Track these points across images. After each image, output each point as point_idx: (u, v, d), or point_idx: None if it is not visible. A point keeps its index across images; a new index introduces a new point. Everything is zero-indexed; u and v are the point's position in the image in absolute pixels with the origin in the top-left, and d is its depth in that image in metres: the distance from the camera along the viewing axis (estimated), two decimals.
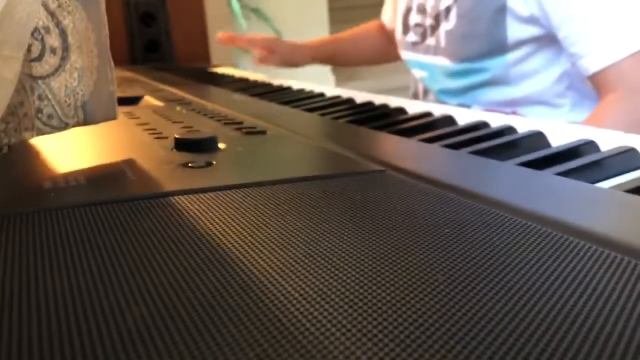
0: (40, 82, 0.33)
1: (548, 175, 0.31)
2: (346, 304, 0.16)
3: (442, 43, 0.89)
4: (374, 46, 1.18)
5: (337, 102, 0.69)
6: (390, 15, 1.10)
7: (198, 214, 0.24)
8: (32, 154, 0.37)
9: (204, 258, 0.20)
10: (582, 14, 0.74)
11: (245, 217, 0.24)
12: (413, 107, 0.60)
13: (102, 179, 0.31)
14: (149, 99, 0.69)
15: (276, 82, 0.94)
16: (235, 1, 2.14)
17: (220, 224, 0.23)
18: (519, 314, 0.15)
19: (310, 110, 0.62)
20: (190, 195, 0.27)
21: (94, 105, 0.36)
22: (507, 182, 0.31)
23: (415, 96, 1.05)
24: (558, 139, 0.43)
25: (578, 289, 0.17)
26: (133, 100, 0.68)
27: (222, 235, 0.22)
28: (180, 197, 0.27)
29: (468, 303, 0.16)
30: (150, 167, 0.33)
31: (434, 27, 0.90)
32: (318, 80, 1.15)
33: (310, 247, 0.21)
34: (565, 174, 0.34)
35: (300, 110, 0.60)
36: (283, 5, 2.36)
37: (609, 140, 0.40)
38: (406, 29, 0.98)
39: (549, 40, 0.80)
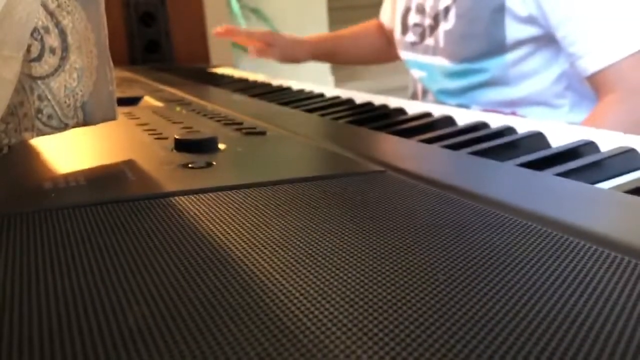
0: (39, 82, 0.33)
1: (548, 175, 0.31)
2: (347, 303, 0.16)
3: (441, 43, 0.89)
4: (373, 45, 1.18)
5: (336, 102, 0.69)
6: (389, 15, 1.10)
7: (198, 214, 0.24)
8: (32, 155, 0.37)
9: (204, 258, 0.20)
10: (580, 14, 0.74)
11: (246, 218, 0.24)
12: (413, 107, 0.60)
13: (102, 180, 0.31)
14: (148, 100, 0.69)
15: (276, 82, 0.94)
16: (235, 1, 2.14)
17: (221, 224, 0.23)
18: (519, 313, 0.15)
19: (310, 110, 0.62)
20: (191, 196, 0.27)
21: (94, 106, 0.36)
22: (507, 183, 0.31)
23: (414, 96, 1.05)
24: (558, 139, 0.43)
25: (578, 289, 0.17)
26: (133, 101, 0.68)
27: (223, 235, 0.22)
28: (180, 197, 0.27)
29: (468, 303, 0.16)
30: (150, 168, 0.33)
31: (433, 27, 0.91)
32: (318, 80, 1.15)
33: (311, 247, 0.21)
34: (565, 174, 0.34)
35: (300, 111, 0.60)
36: (282, 6, 2.36)
37: (608, 141, 0.40)
38: (405, 29, 0.98)
39: (547, 40, 0.80)
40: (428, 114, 0.56)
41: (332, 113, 0.61)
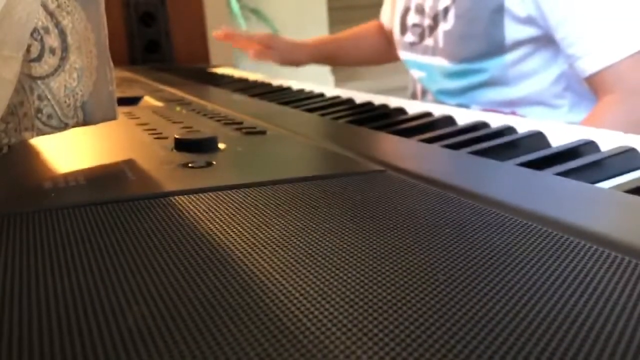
0: (39, 82, 0.33)
1: (548, 175, 0.31)
2: (347, 303, 0.16)
3: (441, 43, 0.89)
4: (373, 46, 1.18)
5: (336, 102, 0.69)
6: (389, 16, 1.10)
7: (198, 214, 0.24)
8: (32, 154, 0.37)
9: (204, 258, 0.20)
10: (579, 14, 0.74)
11: (246, 217, 0.24)
12: (413, 107, 0.60)
13: (102, 179, 0.31)
14: (148, 99, 0.69)
15: (276, 82, 0.94)
16: (235, 2, 2.14)
17: (221, 224, 0.23)
18: (519, 313, 0.15)
19: (310, 110, 0.62)
20: (191, 196, 0.27)
21: (94, 106, 0.36)
22: (507, 182, 0.31)
23: (413, 96, 1.05)
24: (558, 139, 0.43)
25: (578, 289, 0.17)
26: (133, 101, 0.68)
27: (223, 235, 0.22)
28: (180, 197, 0.27)
29: (468, 303, 0.16)
30: (150, 168, 0.33)
31: (432, 28, 0.91)
32: (318, 80, 1.15)
33: (311, 246, 0.21)
34: (565, 174, 0.34)
35: (300, 111, 0.60)
36: (282, 6, 2.36)
37: (608, 141, 0.40)
38: (404, 29, 0.98)
39: (546, 41, 0.80)
40: (428, 114, 0.56)
41: (332, 113, 0.61)
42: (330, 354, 0.13)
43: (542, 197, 0.27)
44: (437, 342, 0.14)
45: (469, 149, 0.41)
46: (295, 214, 0.24)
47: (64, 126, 0.35)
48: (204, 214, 0.24)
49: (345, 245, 0.21)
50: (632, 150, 0.38)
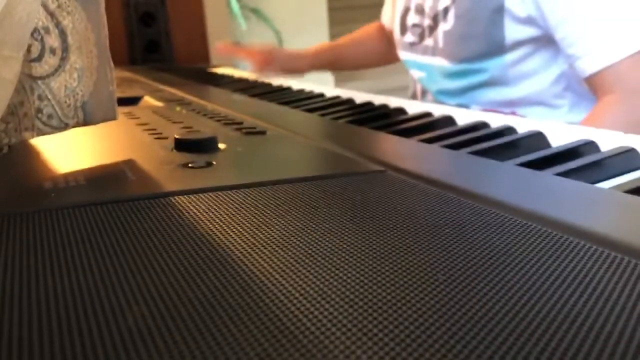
0: (40, 82, 0.33)
1: (548, 175, 0.31)
2: (346, 303, 0.16)
3: (440, 44, 0.89)
4: (374, 50, 1.18)
5: (336, 102, 0.69)
6: (389, 16, 1.10)
7: (198, 214, 0.24)
8: (32, 154, 0.37)
9: (204, 258, 0.20)
10: (579, 15, 0.74)
11: (246, 217, 0.24)
12: (413, 107, 0.60)
13: (102, 179, 0.31)
14: (148, 100, 0.69)
15: (276, 82, 0.94)
16: (235, 2, 2.14)
17: (221, 224, 0.23)
18: (519, 313, 0.15)
19: (310, 110, 0.62)
20: (191, 196, 0.27)
21: (94, 106, 0.36)
22: (507, 182, 0.31)
23: (413, 96, 1.05)
24: (558, 139, 0.43)
25: (578, 289, 0.17)
26: (133, 101, 0.68)
27: (223, 235, 0.22)
28: (180, 197, 0.27)
29: (468, 303, 0.16)
30: (150, 168, 0.33)
31: (432, 28, 0.91)
32: (317, 80, 1.15)
33: (311, 246, 0.21)
34: (565, 174, 0.34)
35: (300, 111, 0.60)
36: (283, 6, 2.36)
37: (609, 141, 0.40)
38: (404, 29, 0.98)
39: (546, 41, 0.80)
40: (428, 114, 0.56)
41: (332, 113, 0.61)
42: (330, 354, 0.13)
43: (542, 197, 0.27)
44: (436, 342, 0.14)
45: (469, 149, 0.41)
46: (295, 214, 0.24)
47: (64, 126, 0.35)
48: (204, 214, 0.24)
49: (345, 246, 0.21)
50: (632, 150, 0.38)
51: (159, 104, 0.64)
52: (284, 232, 0.22)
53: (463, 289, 0.17)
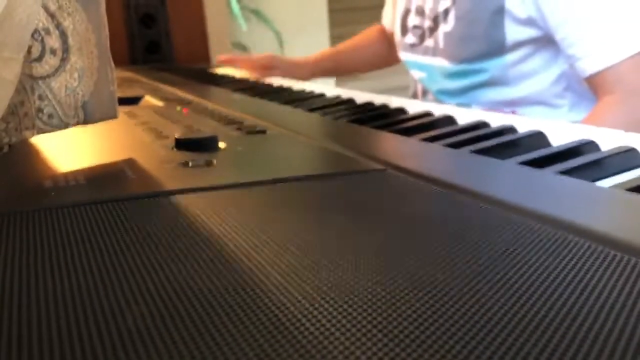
0: (40, 82, 0.33)
1: (549, 174, 0.31)
2: (346, 303, 0.16)
3: (441, 44, 0.89)
4: (375, 54, 1.18)
5: (337, 102, 0.69)
6: (390, 18, 1.10)
7: (198, 213, 0.24)
8: (32, 153, 0.37)
9: (204, 257, 0.20)
10: (579, 15, 0.74)
11: (246, 216, 0.24)
12: (413, 107, 0.60)
13: (102, 178, 0.31)
14: (149, 99, 0.69)
15: (276, 82, 0.94)
16: (235, 2, 2.14)
17: (221, 223, 0.23)
18: (519, 312, 0.15)
19: (311, 110, 0.62)
20: (191, 195, 0.27)
21: (94, 105, 0.36)
22: (508, 181, 0.31)
23: (414, 96, 1.05)
24: (558, 138, 0.43)
25: (578, 287, 0.17)
26: (133, 100, 0.68)
27: (223, 234, 0.22)
28: (180, 196, 0.27)
29: (468, 302, 0.16)
30: (151, 167, 0.33)
31: (433, 29, 0.91)
32: (318, 80, 1.15)
33: (311, 246, 0.21)
34: (565, 173, 0.34)
35: (300, 110, 0.60)
36: (283, 7, 2.36)
37: (609, 140, 0.40)
38: (404, 30, 0.98)
39: (546, 41, 0.80)
40: (429, 114, 0.56)
41: (333, 112, 0.61)
42: (329, 355, 0.13)
43: (542, 195, 0.27)
44: (436, 342, 0.14)
45: (469, 148, 0.41)
46: (295, 213, 0.24)
47: (65, 125, 0.35)
48: (204, 213, 0.24)
49: (345, 245, 0.21)
50: (632, 149, 0.38)
51: (160, 103, 0.64)
52: (284, 231, 0.22)
53: (463, 288, 0.17)
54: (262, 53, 1.10)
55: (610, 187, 0.30)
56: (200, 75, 1.08)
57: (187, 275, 0.18)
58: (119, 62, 0.87)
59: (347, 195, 0.27)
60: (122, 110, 0.43)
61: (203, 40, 1.41)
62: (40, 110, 0.33)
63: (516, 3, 0.79)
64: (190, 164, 0.33)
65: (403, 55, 1.00)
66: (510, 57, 0.83)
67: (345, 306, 0.16)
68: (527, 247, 0.20)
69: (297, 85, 0.87)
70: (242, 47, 2.19)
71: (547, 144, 0.43)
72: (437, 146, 0.40)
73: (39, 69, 0.33)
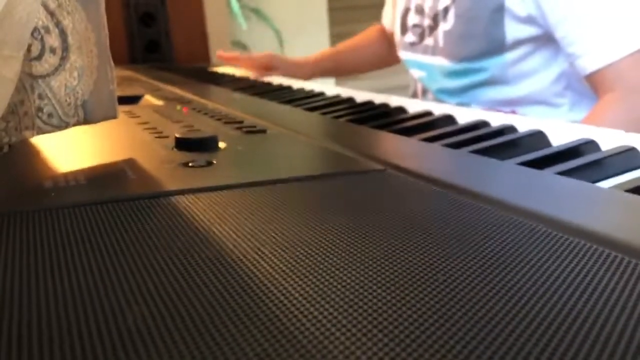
0: (40, 81, 0.33)
1: (548, 174, 0.31)
2: (346, 303, 0.16)
3: (441, 43, 0.89)
4: (375, 54, 1.18)
5: (337, 101, 0.69)
6: (390, 18, 1.10)
7: (198, 213, 0.24)
8: (32, 153, 0.37)
9: (204, 257, 0.20)
10: (579, 13, 0.74)
11: (246, 216, 0.24)
12: (413, 106, 0.60)
13: (102, 179, 0.31)
14: (149, 98, 0.69)
15: (276, 81, 0.94)
16: (235, 1, 2.14)
17: (221, 223, 0.23)
18: (519, 313, 0.15)
19: (311, 109, 0.62)
20: (191, 195, 0.27)
21: (94, 105, 0.36)
22: (507, 181, 0.31)
23: (414, 95, 1.05)
24: (558, 138, 0.43)
25: (578, 289, 0.17)
26: (133, 100, 0.68)
27: (223, 234, 0.22)
28: (180, 196, 0.27)
29: (468, 303, 0.16)
30: (151, 167, 0.33)
31: (432, 28, 0.91)
32: (318, 79, 1.15)
33: (310, 246, 0.21)
34: (565, 173, 0.34)
35: (300, 110, 0.60)
36: (283, 6, 2.36)
37: (609, 140, 0.40)
38: (404, 29, 0.98)
39: (546, 40, 0.80)
40: (429, 113, 0.56)
41: (333, 112, 0.61)
42: (330, 354, 0.13)
43: (542, 196, 0.27)
44: (436, 342, 0.14)
45: (469, 148, 0.41)
46: (295, 213, 0.24)
47: (65, 125, 0.35)
48: (204, 213, 0.24)
49: (344, 245, 0.21)
50: (632, 149, 0.38)
51: (160, 102, 0.64)
52: (284, 231, 0.22)
53: (463, 288, 0.17)
54: (262, 52, 1.10)
55: (609, 188, 0.30)
56: (200, 74, 1.08)
57: (187, 276, 0.18)
58: (118, 61, 0.87)
59: (347, 195, 0.27)
60: (122, 109, 0.43)
61: (203, 39, 1.41)
62: (40, 109, 0.33)
63: (516, 1, 0.79)
64: (190, 164, 0.33)
65: (403, 54, 1.00)
66: (510, 56, 0.83)
67: (345, 306, 0.16)
68: (526, 248, 0.20)
69: (296, 84, 0.87)
70: (242, 46, 2.19)
71: (547, 143, 0.43)
72: (437, 146, 0.40)
73: (39, 68, 0.33)
